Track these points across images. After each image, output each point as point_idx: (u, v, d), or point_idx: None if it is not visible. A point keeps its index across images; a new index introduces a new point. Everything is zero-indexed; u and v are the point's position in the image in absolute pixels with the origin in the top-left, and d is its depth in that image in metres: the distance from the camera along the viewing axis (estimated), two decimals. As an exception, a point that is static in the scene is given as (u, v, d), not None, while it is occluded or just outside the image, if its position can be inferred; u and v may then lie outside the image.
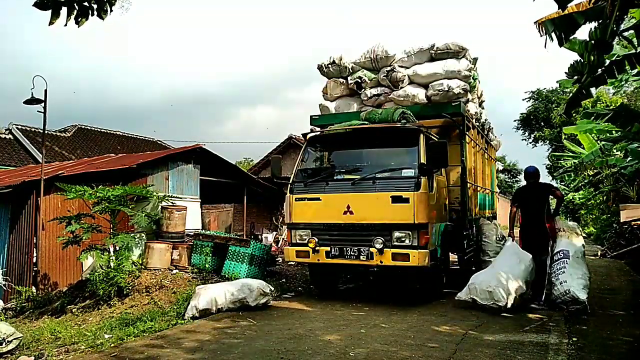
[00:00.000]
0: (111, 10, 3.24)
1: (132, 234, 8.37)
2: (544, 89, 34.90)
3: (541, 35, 5.59)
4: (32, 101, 9.96)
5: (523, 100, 36.23)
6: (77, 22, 3.15)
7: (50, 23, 3.06)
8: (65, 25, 3.11)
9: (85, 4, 3.13)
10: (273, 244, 13.89)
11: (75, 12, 3.10)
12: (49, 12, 3.06)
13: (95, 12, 3.18)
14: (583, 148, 14.91)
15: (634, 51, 5.87)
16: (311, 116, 8.82)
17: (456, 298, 6.40)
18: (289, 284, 8.60)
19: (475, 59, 8.79)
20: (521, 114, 36.63)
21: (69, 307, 7.58)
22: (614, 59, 5.79)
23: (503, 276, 6.21)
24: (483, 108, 10.12)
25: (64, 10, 3.09)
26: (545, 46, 5.55)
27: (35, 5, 3.01)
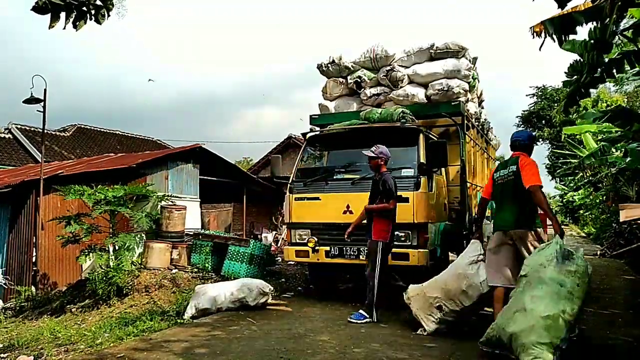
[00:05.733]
0: (108, 15, 3.27)
1: (132, 234, 8.37)
2: (549, 86, 33.45)
3: (533, 38, 5.60)
4: (32, 100, 9.96)
5: (527, 95, 35.48)
6: (75, 26, 3.17)
7: (50, 27, 3.09)
8: (64, 28, 3.14)
9: (83, 8, 3.15)
10: (272, 244, 13.90)
11: (73, 16, 3.12)
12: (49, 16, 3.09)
13: (93, 17, 3.21)
14: (584, 148, 14.89)
15: (633, 49, 5.85)
16: (311, 116, 8.80)
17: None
18: (289, 284, 8.59)
19: (475, 59, 8.78)
20: (523, 111, 35.48)
21: (68, 306, 7.58)
22: (613, 57, 5.77)
23: None
24: (483, 108, 10.11)
25: (63, 15, 3.11)
26: (540, 49, 5.53)
27: (34, 9, 3.03)
